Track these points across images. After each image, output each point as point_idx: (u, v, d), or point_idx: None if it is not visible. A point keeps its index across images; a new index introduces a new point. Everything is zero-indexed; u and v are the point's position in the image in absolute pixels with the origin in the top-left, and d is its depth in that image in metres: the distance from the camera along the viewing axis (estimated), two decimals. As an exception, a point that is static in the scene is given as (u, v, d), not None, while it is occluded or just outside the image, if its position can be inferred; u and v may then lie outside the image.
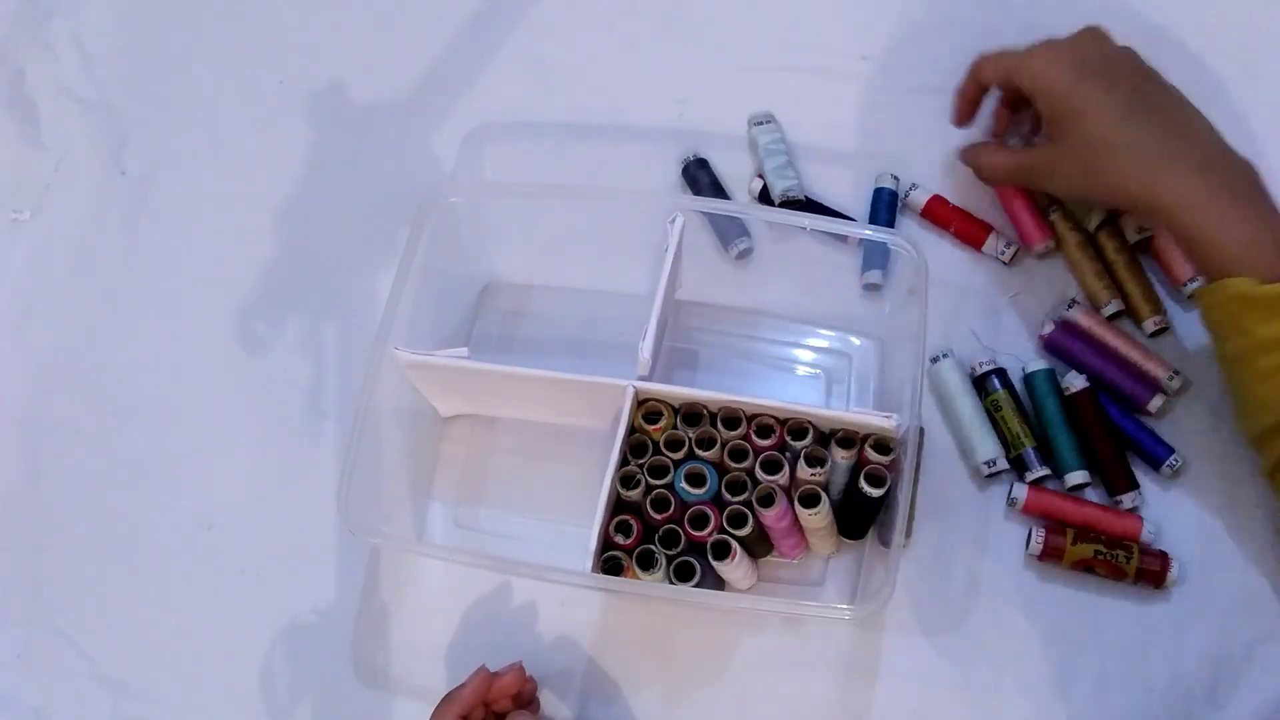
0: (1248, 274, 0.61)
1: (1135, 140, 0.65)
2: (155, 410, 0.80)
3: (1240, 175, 0.65)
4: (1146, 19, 0.84)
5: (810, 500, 0.64)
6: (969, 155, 0.76)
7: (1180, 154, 0.64)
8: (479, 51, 0.88)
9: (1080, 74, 0.67)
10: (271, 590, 0.75)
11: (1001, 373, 0.73)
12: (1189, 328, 0.75)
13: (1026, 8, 0.85)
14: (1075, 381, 0.71)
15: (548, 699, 0.69)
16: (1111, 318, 0.74)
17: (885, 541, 0.64)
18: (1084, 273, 0.75)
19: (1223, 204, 0.63)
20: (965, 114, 0.77)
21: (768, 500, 0.64)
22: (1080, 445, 0.71)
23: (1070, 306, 0.74)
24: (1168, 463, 0.70)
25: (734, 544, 0.63)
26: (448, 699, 0.63)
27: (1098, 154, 0.66)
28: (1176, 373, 0.72)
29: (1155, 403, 0.71)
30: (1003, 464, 0.70)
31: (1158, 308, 0.74)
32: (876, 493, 0.63)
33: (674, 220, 0.70)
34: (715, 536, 0.64)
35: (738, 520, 0.64)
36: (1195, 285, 0.74)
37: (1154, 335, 0.74)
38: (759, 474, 0.65)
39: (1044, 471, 0.70)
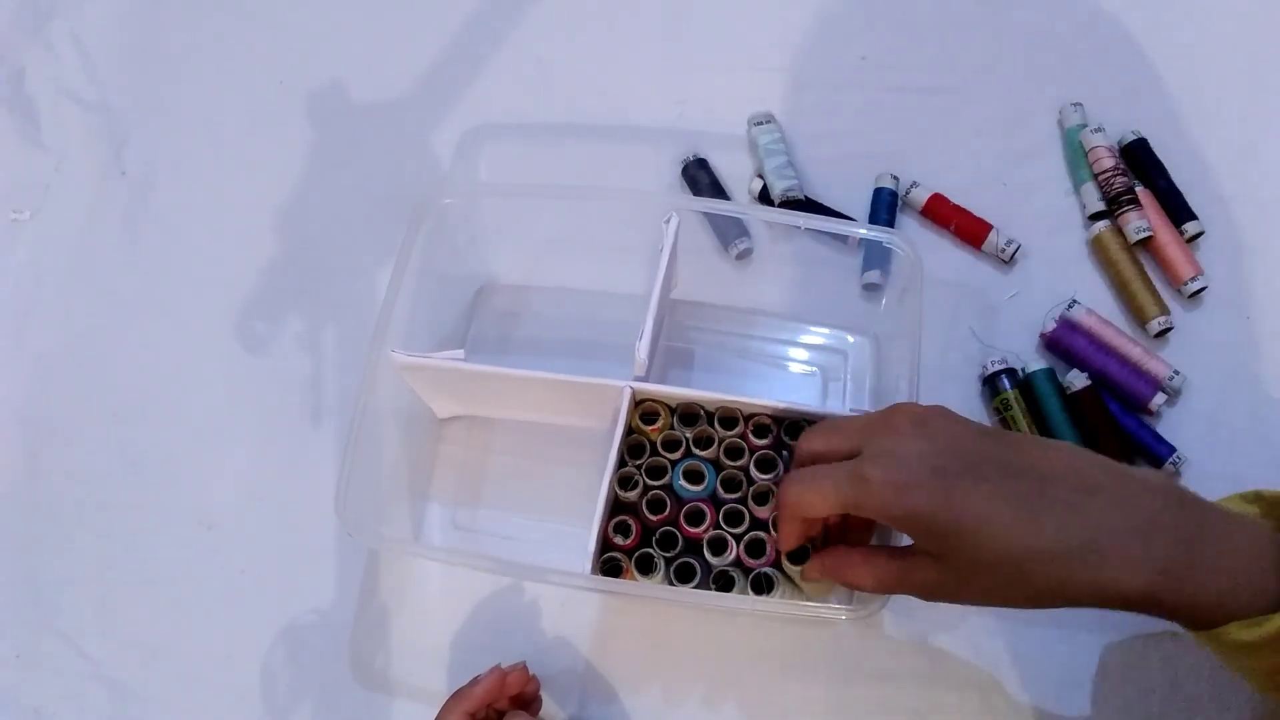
0: (1237, 617, 0.50)
1: (1052, 537, 0.50)
2: (155, 410, 0.81)
3: (1161, 501, 0.51)
4: (1146, 19, 0.83)
5: None
6: (825, 568, 0.59)
7: (1109, 528, 0.50)
8: (478, 51, 0.88)
9: (939, 483, 0.50)
10: (271, 590, 0.75)
11: (1012, 372, 0.73)
12: (1191, 327, 0.74)
13: (1026, 7, 0.85)
14: (1077, 380, 0.71)
15: (547, 699, 0.69)
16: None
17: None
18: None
19: (1179, 561, 0.50)
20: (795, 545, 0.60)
21: (763, 499, 0.65)
22: (1084, 444, 0.71)
23: (1071, 305, 0.74)
24: (1170, 461, 0.70)
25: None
26: (457, 696, 0.63)
27: (1010, 571, 0.51)
28: (1177, 372, 0.72)
29: (1157, 401, 0.71)
30: None
31: (1163, 308, 0.74)
32: None
33: (669, 220, 0.70)
34: (711, 533, 0.64)
35: (734, 518, 0.65)
36: (1196, 285, 0.74)
37: (1158, 336, 0.74)
38: (754, 473, 0.65)
39: None
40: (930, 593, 0.54)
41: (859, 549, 0.58)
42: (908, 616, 0.69)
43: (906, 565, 0.55)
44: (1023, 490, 0.50)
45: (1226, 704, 0.66)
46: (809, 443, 0.57)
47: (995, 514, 0.50)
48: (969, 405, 0.74)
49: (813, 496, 0.54)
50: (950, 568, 0.52)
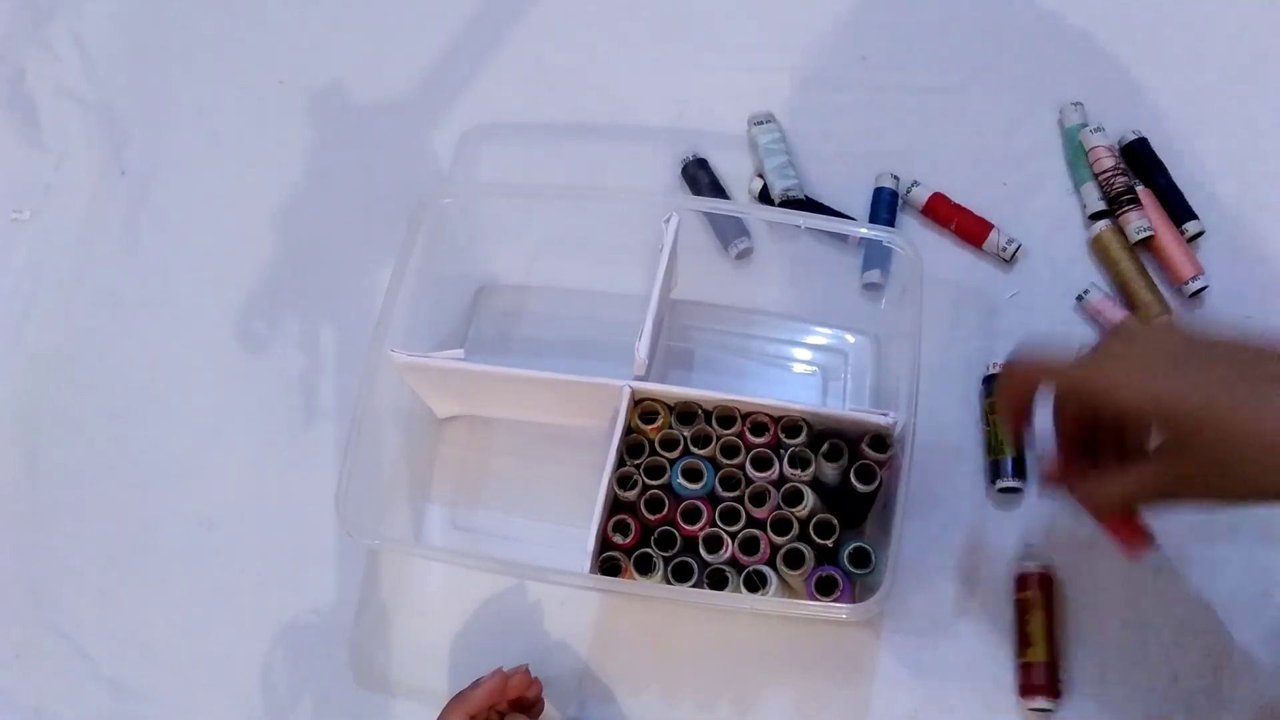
0: None
1: None
2: (155, 410, 0.81)
3: None
4: (1147, 18, 0.83)
5: (794, 498, 0.65)
6: (1076, 490, 0.59)
7: None
8: (478, 51, 0.88)
9: (1177, 367, 0.52)
10: (271, 590, 0.75)
11: None
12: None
13: (1026, 7, 0.85)
14: None
15: (547, 699, 0.69)
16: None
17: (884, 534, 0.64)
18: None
19: None
20: (1022, 435, 0.62)
21: (759, 499, 0.65)
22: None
23: (1081, 298, 0.74)
24: None
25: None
26: (458, 699, 0.63)
27: (1253, 453, 0.50)
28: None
29: None
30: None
31: (1164, 307, 0.74)
32: (866, 488, 0.63)
33: (669, 220, 0.70)
34: (707, 530, 0.64)
35: (730, 516, 0.65)
36: (1196, 285, 0.74)
37: None
38: (750, 471, 0.65)
39: (1015, 484, 0.70)
40: (1180, 488, 0.54)
41: (1098, 469, 0.58)
42: (908, 616, 0.69)
43: (1145, 467, 0.55)
44: (1255, 374, 0.51)
45: (1226, 702, 0.66)
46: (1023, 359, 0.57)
47: (1230, 396, 0.50)
48: (969, 405, 0.74)
49: (1044, 366, 0.55)
50: (1197, 457, 0.52)
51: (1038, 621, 0.67)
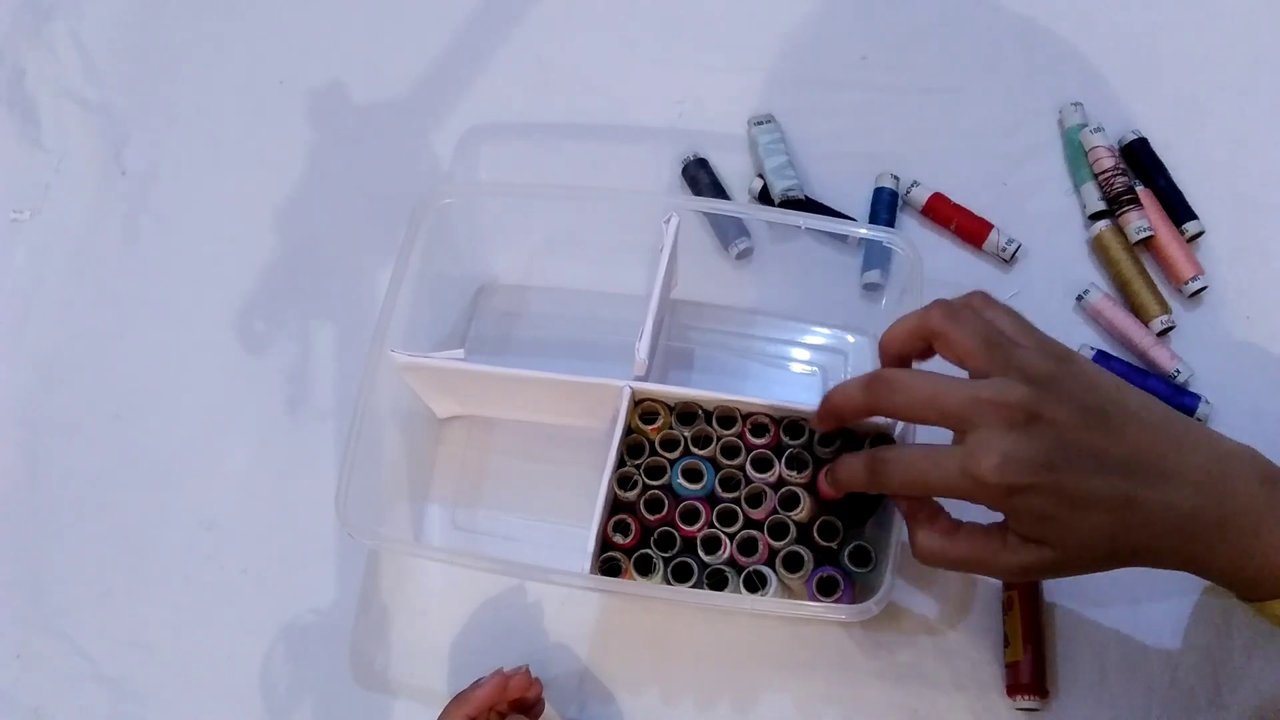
0: None
1: (1150, 533, 0.53)
2: (155, 410, 0.81)
3: (1251, 469, 0.55)
4: (1146, 19, 0.83)
5: (790, 502, 0.65)
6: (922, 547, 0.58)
7: (1202, 520, 0.53)
8: (478, 51, 0.88)
9: (1051, 480, 0.52)
10: (271, 590, 0.75)
11: None
12: (1191, 327, 0.74)
13: (1026, 7, 0.85)
14: None
15: (547, 699, 0.69)
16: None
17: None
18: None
19: (1260, 539, 0.53)
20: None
21: (756, 500, 0.65)
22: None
23: (1081, 298, 0.74)
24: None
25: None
26: (459, 699, 0.63)
27: (1104, 551, 0.54)
28: (1178, 372, 0.72)
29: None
30: None
31: (1165, 307, 0.74)
32: None
33: (669, 220, 0.70)
34: (705, 531, 0.64)
35: (728, 517, 0.65)
36: (1196, 285, 0.74)
37: (1161, 335, 0.74)
38: (750, 472, 0.65)
39: None
40: (1024, 572, 0.55)
41: (948, 521, 0.58)
42: (907, 616, 0.69)
43: (990, 539, 0.56)
44: (1123, 489, 0.52)
45: (1225, 704, 0.66)
46: (907, 378, 0.55)
47: (1098, 508, 0.52)
48: (969, 405, 0.74)
49: (919, 471, 0.55)
50: (1049, 552, 0.54)
51: (1014, 620, 0.67)
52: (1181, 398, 0.71)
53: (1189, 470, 0.53)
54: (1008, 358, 0.54)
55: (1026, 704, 0.66)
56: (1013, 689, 0.66)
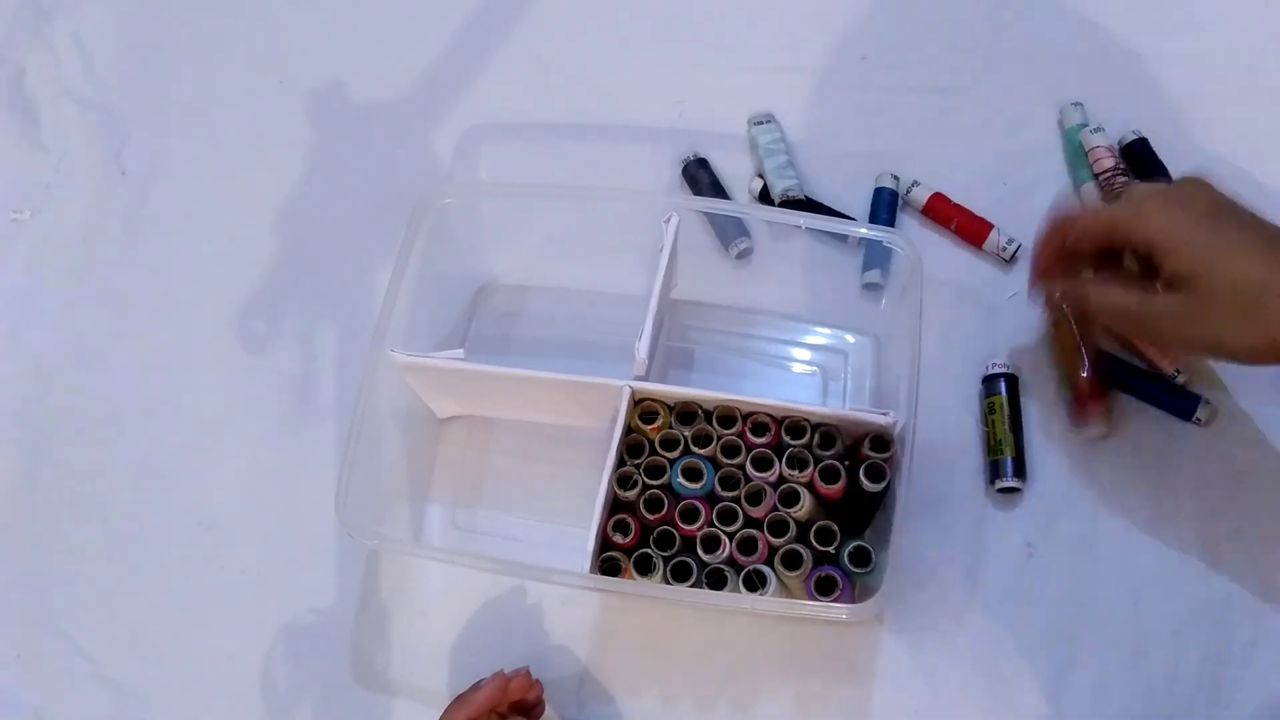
0: None
1: None
2: (155, 410, 0.81)
3: None
4: (1146, 19, 0.83)
5: (790, 499, 0.65)
6: (1073, 287, 0.66)
7: None
8: (478, 51, 0.88)
9: (1205, 217, 0.59)
10: (271, 590, 0.75)
11: (1012, 379, 0.72)
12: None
13: (1026, 7, 0.85)
14: None
15: (547, 700, 0.69)
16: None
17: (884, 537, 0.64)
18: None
19: None
20: (1050, 274, 0.68)
21: (755, 499, 0.65)
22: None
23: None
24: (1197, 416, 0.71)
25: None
26: (459, 701, 0.63)
27: (1250, 301, 0.57)
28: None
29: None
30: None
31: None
32: (875, 487, 0.63)
33: (669, 220, 0.70)
34: (704, 530, 0.64)
35: (727, 516, 0.65)
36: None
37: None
38: (750, 471, 0.65)
39: (1015, 484, 0.70)
40: (1164, 323, 0.61)
41: (1105, 276, 0.65)
42: (907, 616, 0.69)
43: (1146, 295, 0.61)
44: (1268, 234, 0.58)
45: (1224, 703, 0.66)
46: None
47: (1243, 246, 0.57)
48: (969, 405, 0.74)
49: (1084, 220, 0.63)
50: (1191, 299, 0.58)
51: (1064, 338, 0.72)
52: (1182, 398, 0.71)
53: None
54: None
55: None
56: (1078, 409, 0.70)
